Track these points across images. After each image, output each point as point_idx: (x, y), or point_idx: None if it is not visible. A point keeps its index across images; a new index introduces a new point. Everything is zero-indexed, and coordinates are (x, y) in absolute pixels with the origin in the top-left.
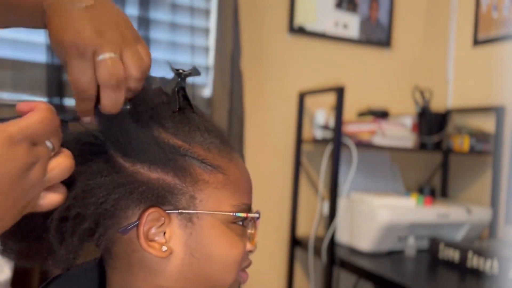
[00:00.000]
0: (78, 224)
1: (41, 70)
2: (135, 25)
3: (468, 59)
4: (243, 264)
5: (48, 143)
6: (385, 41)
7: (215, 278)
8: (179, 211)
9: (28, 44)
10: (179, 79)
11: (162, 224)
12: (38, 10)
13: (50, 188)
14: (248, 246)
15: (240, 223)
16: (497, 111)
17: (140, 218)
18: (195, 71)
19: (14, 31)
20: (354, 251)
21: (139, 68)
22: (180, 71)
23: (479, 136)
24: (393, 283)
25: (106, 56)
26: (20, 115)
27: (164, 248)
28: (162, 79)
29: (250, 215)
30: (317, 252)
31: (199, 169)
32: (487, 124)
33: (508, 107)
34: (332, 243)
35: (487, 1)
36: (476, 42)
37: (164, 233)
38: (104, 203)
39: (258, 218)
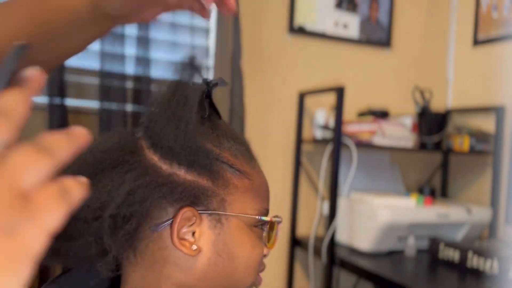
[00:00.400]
0: (124, 223)
1: None
2: (135, 25)
3: (468, 59)
4: (261, 267)
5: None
6: (385, 41)
7: (236, 279)
8: (211, 212)
9: None
10: (206, 88)
11: (193, 223)
12: (86, 13)
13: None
14: (264, 250)
15: (261, 226)
16: (497, 111)
17: (174, 216)
18: (221, 82)
19: None
20: (354, 251)
21: None
22: (208, 80)
23: (479, 136)
24: (393, 283)
25: None
26: None
27: (194, 246)
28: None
29: (274, 219)
30: (317, 252)
31: (229, 173)
32: (487, 124)
33: (508, 107)
34: (332, 243)
35: (487, 1)
36: (476, 42)
37: (194, 233)
38: (144, 203)
39: (280, 222)
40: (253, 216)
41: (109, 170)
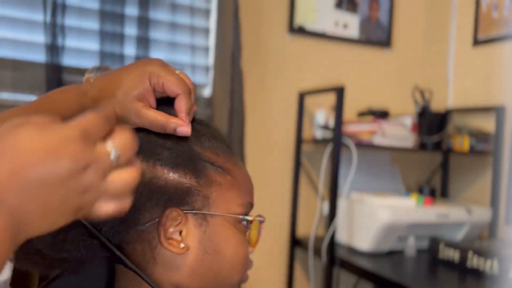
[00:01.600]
0: (111, 227)
1: (40, 70)
2: (135, 25)
3: (468, 59)
4: (248, 264)
5: (112, 151)
6: (385, 41)
7: (224, 275)
8: (195, 211)
9: (28, 44)
10: None
11: (179, 223)
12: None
13: (110, 198)
14: (249, 249)
15: (245, 223)
16: (497, 111)
17: (160, 217)
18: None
19: (14, 31)
20: (354, 251)
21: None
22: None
23: (479, 136)
24: (393, 283)
25: (179, 71)
26: None
27: (182, 245)
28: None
29: (256, 218)
30: (317, 252)
31: (212, 171)
32: (487, 124)
33: (508, 107)
34: (332, 243)
35: (487, 1)
36: (476, 42)
37: (181, 232)
38: (130, 206)
39: (262, 221)
40: (236, 216)
41: None
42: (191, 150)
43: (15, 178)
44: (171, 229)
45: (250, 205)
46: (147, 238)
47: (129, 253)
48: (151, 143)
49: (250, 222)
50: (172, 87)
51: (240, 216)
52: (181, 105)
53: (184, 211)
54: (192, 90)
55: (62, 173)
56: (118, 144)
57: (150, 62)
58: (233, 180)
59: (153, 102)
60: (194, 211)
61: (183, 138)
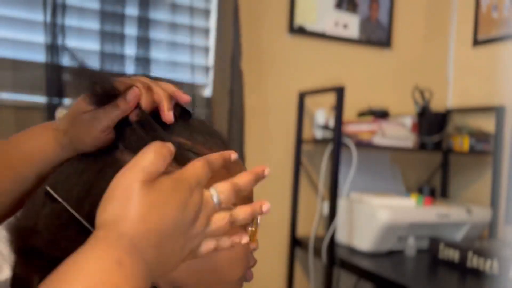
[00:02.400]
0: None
1: (41, 70)
2: (135, 25)
3: (468, 59)
4: (250, 262)
5: (215, 195)
6: (385, 41)
7: (222, 272)
8: None
9: (28, 44)
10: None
11: None
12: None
13: (211, 238)
14: (251, 245)
15: None
16: (497, 111)
17: None
18: (190, 86)
19: (14, 31)
20: (354, 251)
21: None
22: (184, 107)
23: (479, 136)
24: (393, 283)
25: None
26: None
27: None
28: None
29: None
30: (317, 252)
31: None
32: (487, 124)
33: (508, 107)
34: (332, 243)
35: (487, 1)
36: (476, 42)
37: None
38: None
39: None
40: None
41: (84, 175)
42: (182, 143)
43: (155, 234)
44: None
45: (249, 200)
46: None
47: None
48: (140, 139)
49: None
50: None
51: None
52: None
53: None
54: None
55: (188, 222)
56: (218, 188)
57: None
58: (227, 173)
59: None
60: None
61: (175, 134)
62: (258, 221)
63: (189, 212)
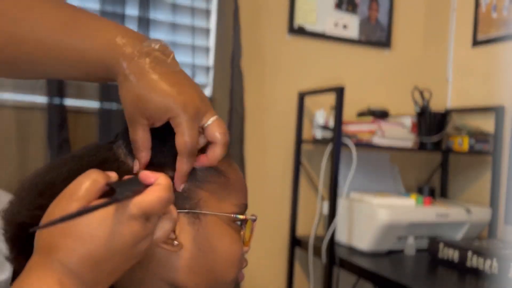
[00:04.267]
0: None
1: None
2: (135, 25)
3: (468, 59)
4: (242, 263)
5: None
6: (385, 41)
7: (219, 273)
8: (187, 210)
9: None
10: None
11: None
12: (94, 64)
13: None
14: (244, 247)
15: (239, 223)
16: (497, 111)
17: None
18: None
19: None
20: (354, 251)
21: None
22: None
23: (478, 136)
24: (393, 283)
25: (215, 118)
26: (138, 183)
27: (176, 243)
28: None
29: (249, 217)
30: (317, 252)
31: (205, 171)
32: (486, 124)
33: (508, 107)
34: (332, 243)
35: (487, 1)
36: (476, 42)
37: (174, 230)
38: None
39: (254, 220)
40: (229, 215)
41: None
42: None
43: (89, 259)
44: None
45: (244, 206)
46: None
47: None
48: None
49: (243, 221)
50: (179, 142)
51: (232, 215)
52: (179, 165)
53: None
54: (221, 144)
55: (125, 248)
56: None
57: (185, 105)
58: (226, 181)
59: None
60: (186, 211)
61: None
62: (253, 227)
63: (128, 240)
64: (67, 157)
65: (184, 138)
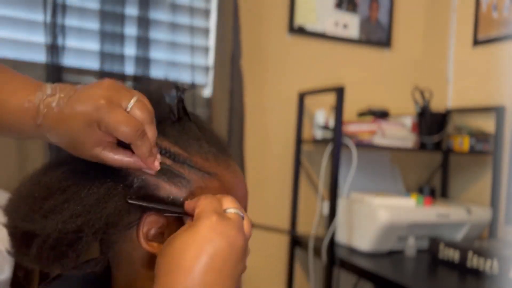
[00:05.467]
0: (95, 227)
1: (41, 70)
2: (135, 25)
3: (468, 59)
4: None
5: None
6: (385, 41)
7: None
8: (176, 215)
9: (28, 44)
10: (178, 92)
11: (161, 225)
12: (28, 128)
13: None
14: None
15: None
16: (497, 111)
17: (139, 220)
18: (192, 87)
19: (14, 31)
20: (354, 251)
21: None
22: (179, 85)
23: (479, 136)
24: (393, 283)
25: (134, 100)
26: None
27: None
28: (164, 92)
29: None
30: (317, 252)
31: (196, 176)
32: (487, 124)
33: (508, 107)
34: (332, 243)
35: (487, 1)
36: (476, 42)
37: (164, 234)
38: (104, 210)
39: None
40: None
41: (83, 177)
42: (176, 153)
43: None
44: (152, 232)
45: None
46: (131, 239)
47: (118, 252)
48: None
49: None
50: (121, 136)
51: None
52: (138, 152)
53: (164, 214)
54: (147, 123)
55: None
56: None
57: (96, 105)
58: (221, 186)
59: (112, 139)
60: (175, 215)
61: (170, 141)
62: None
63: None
64: (59, 160)
65: (119, 130)
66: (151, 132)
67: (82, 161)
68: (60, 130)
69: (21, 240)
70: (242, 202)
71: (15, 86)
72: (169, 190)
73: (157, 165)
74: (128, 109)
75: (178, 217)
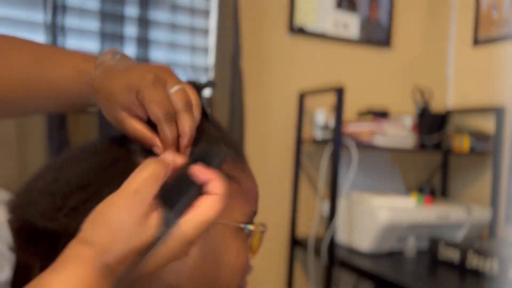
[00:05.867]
0: None
1: None
2: (135, 25)
3: (468, 59)
4: (247, 271)
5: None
6: (385, 41)
7: (222, 282)
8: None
9: None
10: (196, 90)
11: None
12: (66, 91)
13: None
14: (251, 255)
15: (247, 231)
16: (497, 111)
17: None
18: (210, 83)
19: (14, 31)
20: (354, 251)
21: (194, 97)
22: (197, 83)
23: (479, 136)
24: (393, 283)
25: (178, 87)
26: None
27: None
28: None
29: (258, 228)
30: (317, 252)
31: None
32: (487, 124)
33: (508, 107)
34: (332, 243)
35: (487, 1)
36: (476, 42)
37: None
38: None
39: (264, 231)
40: (238, 224)
41: (103, 175)
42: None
43: (129, 261)
44: None
45: (254, 214)
46: None
47: None
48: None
49: (252, 231)
50: (150, 111)
51: (242, 225)
52: (161, 134)
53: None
54: (183, 111)
55: (149, 241)
56: None
57: (143, 76)
58: (238, 188)
59: (142, 113)
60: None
61: (192, 143)
62: (262, 237)
63: (153, 232)
64: (74, 154)
65: (152, 106)
66: (186, 121)
67: (101, 157)
68: (106, 84)
69: (30, 235)
70: (255, 205)
71: (71, 54)
72: None
73: (178, 160)
74: (170, 92)
75: None
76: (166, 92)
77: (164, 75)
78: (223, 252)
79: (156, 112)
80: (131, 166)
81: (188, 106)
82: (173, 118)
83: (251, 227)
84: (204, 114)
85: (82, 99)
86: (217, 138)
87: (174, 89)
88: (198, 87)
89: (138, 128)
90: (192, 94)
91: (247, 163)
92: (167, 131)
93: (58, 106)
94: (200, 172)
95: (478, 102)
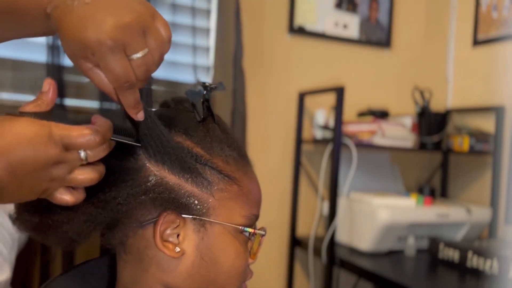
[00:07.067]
0: (98, 214)
1: (41, 70)
2: None
3: (468, 59)
4: (247, 275)
5: (82, 153)
6: (385, 41)
7: (219, 284)
8: (193, 216)
9: (28, 44)
10: (205, 92)
11: (177, 226)
12: (39, 17)
13: (70, 189)
14: (249, 260)
15: (247, 234)
16: (497, 111)
17: (157, 218)
18: (220, 86)
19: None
20: (354, 251)
21: (162, 50)
22: (206, 84)
23: (479, 136)
24: (393, 283)
25: (139, 55)
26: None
27: (177, 249)
28: (189, 90)
29: (257, 231)
30: (317, 252)
31: (217, 179)
32: (487, 124)
33: (508, 107)
34: (332, 243)
35: (487, 1)
36: (476, 42)
37: (178, 235)
38: (126, 201)
39: (264, 235)
40: (237, 226)
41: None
42: (199, 155)
43: (4, 154)
44: (167, 231)
45: (255, 217)
46: (145, 237)
47: (129, 247)
48: (159, 144)
49: (252, 234)
50: (109, 79)
51: (241, 228)
52: (122, 100)
53: (182, 215)
54: (141, 80)
55: (33, 167)
56: (90, 150)
57: (100, 38)
58: (239, 190)
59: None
60: (192, 216)
61: (194, 142)
62: (261, 241)
63: (41, 157)
64: None
65: (107, 74)
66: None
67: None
68: (64, 25)
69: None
70: (256, 208)
71: None
72: (191, 190)
73: (140, 115)
74: (131, 58)
75: (194, 218)
76: (125, 59)
77: (125, 37)
78: (220, 253)
79: (113, 82)
80: (131, 169)
81: (147, 75)
82: (132, 85)
83: (249, 229)
84: (211, 115)
85: (47, 29)
86: (221, 139)
87: (136, 55)
88: (208, 89)
89: (106, 83)
90: (153, 58)
91: (251, 166)
92: (129, 97)
93: (23, 31)
94: (95, 118)
95: (478, 102)
